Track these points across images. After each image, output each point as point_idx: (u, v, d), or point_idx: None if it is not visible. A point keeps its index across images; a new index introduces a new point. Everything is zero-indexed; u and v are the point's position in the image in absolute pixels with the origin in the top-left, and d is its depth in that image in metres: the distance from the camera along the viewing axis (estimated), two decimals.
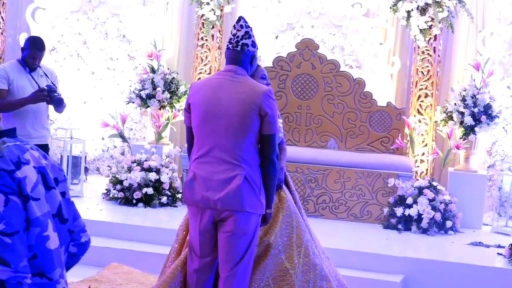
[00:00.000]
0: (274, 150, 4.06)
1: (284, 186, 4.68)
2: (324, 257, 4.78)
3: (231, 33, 4.16)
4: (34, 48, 6.23)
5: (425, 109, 8.07)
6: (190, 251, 4.26)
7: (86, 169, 8.56)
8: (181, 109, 8.35)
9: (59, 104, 6.24)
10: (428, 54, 8.09)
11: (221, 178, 4.00)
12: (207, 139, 4.05)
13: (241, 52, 4.09)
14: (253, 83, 4.09)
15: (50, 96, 6.13)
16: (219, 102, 4.02)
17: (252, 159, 4.04)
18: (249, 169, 4.01)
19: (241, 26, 4.11)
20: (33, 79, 6.26)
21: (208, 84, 4.14)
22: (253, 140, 4.03)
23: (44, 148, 6.49)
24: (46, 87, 6.15)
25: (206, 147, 4.05)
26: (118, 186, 7.58)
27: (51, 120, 8.01)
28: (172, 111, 8.26)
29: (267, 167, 4.07)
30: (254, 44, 4.14)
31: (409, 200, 7.15)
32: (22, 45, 6.58)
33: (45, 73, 6.39)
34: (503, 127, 7.98)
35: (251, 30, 4.16)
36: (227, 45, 4.16)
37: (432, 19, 7.95)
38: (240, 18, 4.16)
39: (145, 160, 7.72)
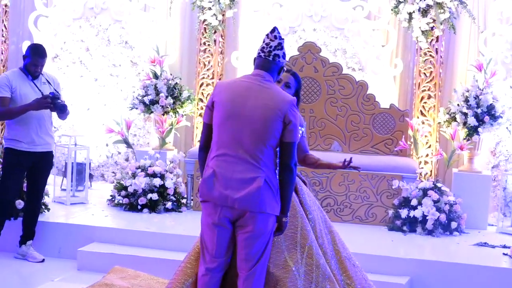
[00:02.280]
0: (293, 158, 4.19)
1: None
2: (341, 261, 4.77)
3: (264, 41, 4.31)
4: (35, 56, 6.25)
5: (428, 111, 8.08)
6: (203, 251, 4.31)
7: (91, 176, 8.58)
8: (185, 115, 8.37)
9: (62, 110, 6.26)
10: (430, 55, 8.09)
11: (242, 178, 4.10)
12: (229, 138, 4.15)
13: (272, 62, 4.25)
14: (281, 91, 4.24)
15: (54, 103, 6.15)
16: (246, 104, 4.13)
17: (271, 162, 4.18)
18: (268, 171, 4.14)
19: (275, 37, 4.27)
20: (36, 86, 6.28)
21: (236, 85, 4.26)
22: (273, 145, 4.16)
23: (48, 155, 6.51)
24: (49, 94, 6.18)
25: (227, 145, 4.16)
26: (123, 192, 7.59)
27: (55, 127, 8.03)
28: (175, 117, 8.27)
29: (285, 174, 4.20)
30: (284, 56, 4.31)
31: (414, 202, 7.14)
32: (24, 53, 6.60)
33: (47, 80, 6.41)
34: (507, 127, 7.97)
35: (284, 42, 4.31)
36: (259, 52, 4.30)
37: (434, 20, 7.96)
38: (274, 29, 4.31)
39: (150, 166, 7.73)
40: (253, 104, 4.12)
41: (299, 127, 4.71)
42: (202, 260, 4.34)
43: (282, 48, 4.27)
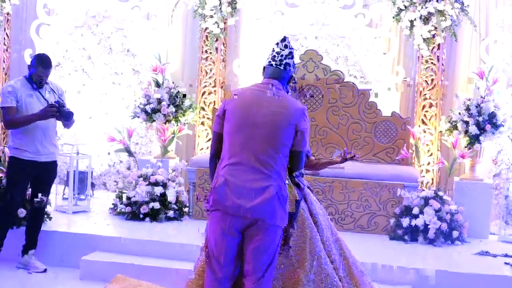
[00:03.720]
0: (300, 167, 4.23)
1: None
2: (348, 270, 4.80)
3: (273, 50, 4.34)
4: (40, 67, 6.26)
5: (429, 119, 8.08)
6: (211, 260, 4.28)
7: (93, 185, 8.58)
8: (187, 123, 8.38)
9: (68, 118, 6.26)
10: (432, 63, 8.10)
11: (254, 187, 4.10)
12: (241, 147, 4.15)
13: (283, 71, 4.30)
14: (293, 100, 4.26)
15: (60, 111, 6.16)
16: (258, 112, 4.15)
17: (283, 172, 4.18)
18: (279, 181, 4.14)
19: (285, 46, 4.31)
20: (42, 95, 6.29)
21: (248, 93, 4.28)
22: (285, 154, 4.17)
23: (53, 165, 6.52)
24: (55, 103, 6.19)
25: (240, 154, 4.15)
26: (125, 201, 7.60)
27: (57, 137, 8.04)
28: (177, 125, 8.28)
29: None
30: (294, 66, 4.36)
31: (415, 211, 7.14)
32: (28, 62, 6.61)
33: (52, 89, 6.42)
34: (508, 136, 7.97)
35: (294, 51, 4.37)
36: (269, 61, 4.33)
37: (435, 28, 7.97)
38: (285, 38, 4.36)
39: (152, 175, 7.73)
40: (265, 112, 4.14)
41: None
42: (209, 269, 4.31)
43: (293, 57, 4.32)
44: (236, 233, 4.18)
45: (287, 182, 4.27)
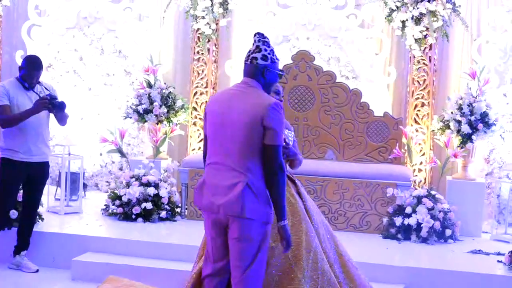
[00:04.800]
0: (276, 161, 4.14)
1: (295, 194, 4.75)
2: (341, 266, 4.79)
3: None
4: (31, 69, 6.25)
5: (422, 118, 8.09)
6: (206, 256, 4.42)
7: (85, 185, 8.56)
8: (179, 123, 8.38)
9: (61, 109, 6.23)
10: (423, 63, 8.11)
11: (226, 185, 4.15)
12: (217, 147, 4.23)
13: (251, 65, 4.28)
14: (261, 95, 4.22)
15: (52, 104, 6.13)
16: (230, 112, 4.18)
17: (257, 168, 4.16)
18: (252, 177, 4.13)
19: (254, 41, 4.31)
20: (35, 93, 6.27)
21: (224, 94, 4.35)
22: (258, 150, 4.15)
23: (45, 165, 6.49)
24: (47, 96, 6.17)
25: (216, 154, 4.24)
26: (117, 202, 7.57)
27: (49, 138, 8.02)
28: (169, 126, 8.27)
29: (270, 177, 4.16)
30: (265, 57, 4.27)
31: (408, 210, 7.15)
32: (19, 63, 6.59)
33: (45, 88, 6.39)
34: (500, 135, 7.98)
35: (264, 43, 4.31)
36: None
37: (427, 28, 7.98)
38: (255, 34, 4.35)
39: (144, 175, 7.72)
40: (236, 111, 4.16)
41: (287, 130, 4.75)
42: (204, 265, 4.44)
43: (260, 51, 4.26)
44: (219, 230, 4.25)
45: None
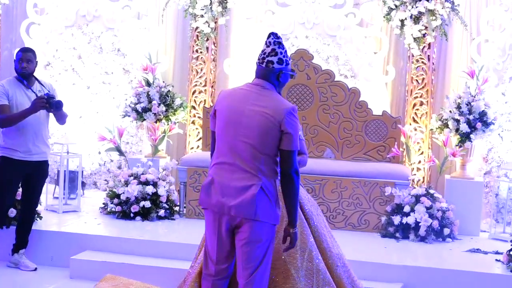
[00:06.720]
0: (292, 166, 4.14)
1: None
2: (335, 263, 4.80)
3: (263, 47, 4.29)
4: (19, 52, 6.32)
5: (420, 117, 8.10)
6: (206, 257, 4.37)
7: (83, 184, 8.56)
8: (177, 122, 8.37)
9: (58, 108, 6.23)
10: (422, 62, 8.12)
11: (238, 186, 4.12)
12: (227, 147, 4.19)
13: (266, 69, 4.23)
14: (279, 99, 4.21)
15: (49, 103, 6.13)
16: (243, 112, 4.15)
17: (270, 171, 4.16)
18: (266, 180, 4.13)
19: (270, 43, 4.25)
20: (34, 92, 6.27)
21: (235, 93, 4.29)
22: (272, 153, 4.14)
23: (44, 164, 6.50)
24: (44, 95, 6.17)
25: (226, 154, 4.19)
26: (116, 200, 7.57)
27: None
28: (168, 124, 8.27)
29: (285, 182, 4.17)
30: (280, 61, 4.24)
31: (407, 209, 7.15)
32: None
33: (44, 86, 6.40)
34: (499, 134, 7.99)
35: (279, 46, 4.25)
36: (257, 60, 4.30)
37: (426, 27, 7.98)
38: (270, 34, 4.29)
39: (142, 174, 7.71)
40: (251, 112, 4.13)
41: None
42: (204, 266, 4.40)
43: (277, 54, 4.23)
44: (226, 231, 4.22)
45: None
